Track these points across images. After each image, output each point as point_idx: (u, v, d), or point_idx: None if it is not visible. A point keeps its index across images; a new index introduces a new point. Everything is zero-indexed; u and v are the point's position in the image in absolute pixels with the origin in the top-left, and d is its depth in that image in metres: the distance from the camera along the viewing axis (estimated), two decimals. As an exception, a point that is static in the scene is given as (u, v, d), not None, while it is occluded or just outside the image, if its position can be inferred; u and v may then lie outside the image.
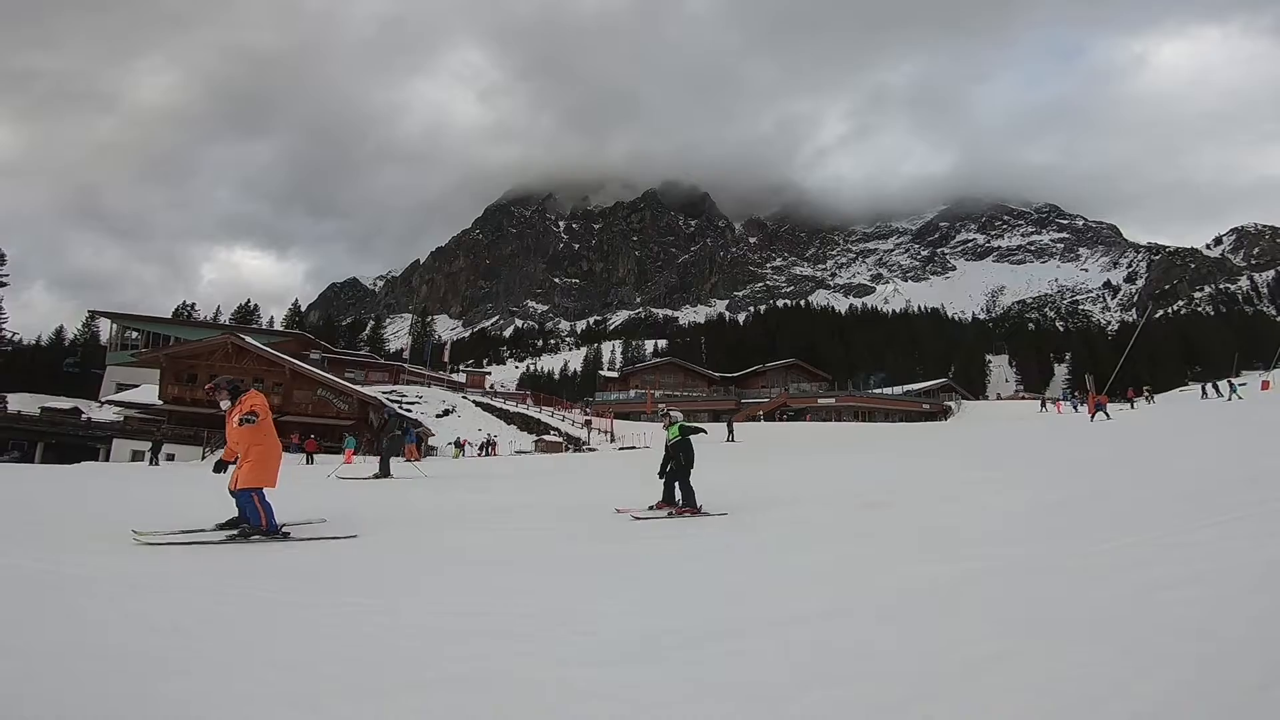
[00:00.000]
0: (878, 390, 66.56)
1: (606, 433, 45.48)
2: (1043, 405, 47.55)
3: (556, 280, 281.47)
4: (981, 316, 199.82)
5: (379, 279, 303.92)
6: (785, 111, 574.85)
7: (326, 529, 6.20)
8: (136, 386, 43.36)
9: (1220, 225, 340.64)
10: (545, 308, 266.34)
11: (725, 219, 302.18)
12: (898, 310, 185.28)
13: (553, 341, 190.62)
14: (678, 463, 7.55)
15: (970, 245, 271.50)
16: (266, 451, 5.74)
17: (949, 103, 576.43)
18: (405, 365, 63.72)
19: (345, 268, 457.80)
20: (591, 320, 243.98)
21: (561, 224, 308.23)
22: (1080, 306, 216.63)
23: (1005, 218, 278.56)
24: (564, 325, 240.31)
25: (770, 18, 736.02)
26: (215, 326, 65.73)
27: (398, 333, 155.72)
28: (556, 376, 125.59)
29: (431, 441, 40.30)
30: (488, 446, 38.21)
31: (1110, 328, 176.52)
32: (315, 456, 27.79)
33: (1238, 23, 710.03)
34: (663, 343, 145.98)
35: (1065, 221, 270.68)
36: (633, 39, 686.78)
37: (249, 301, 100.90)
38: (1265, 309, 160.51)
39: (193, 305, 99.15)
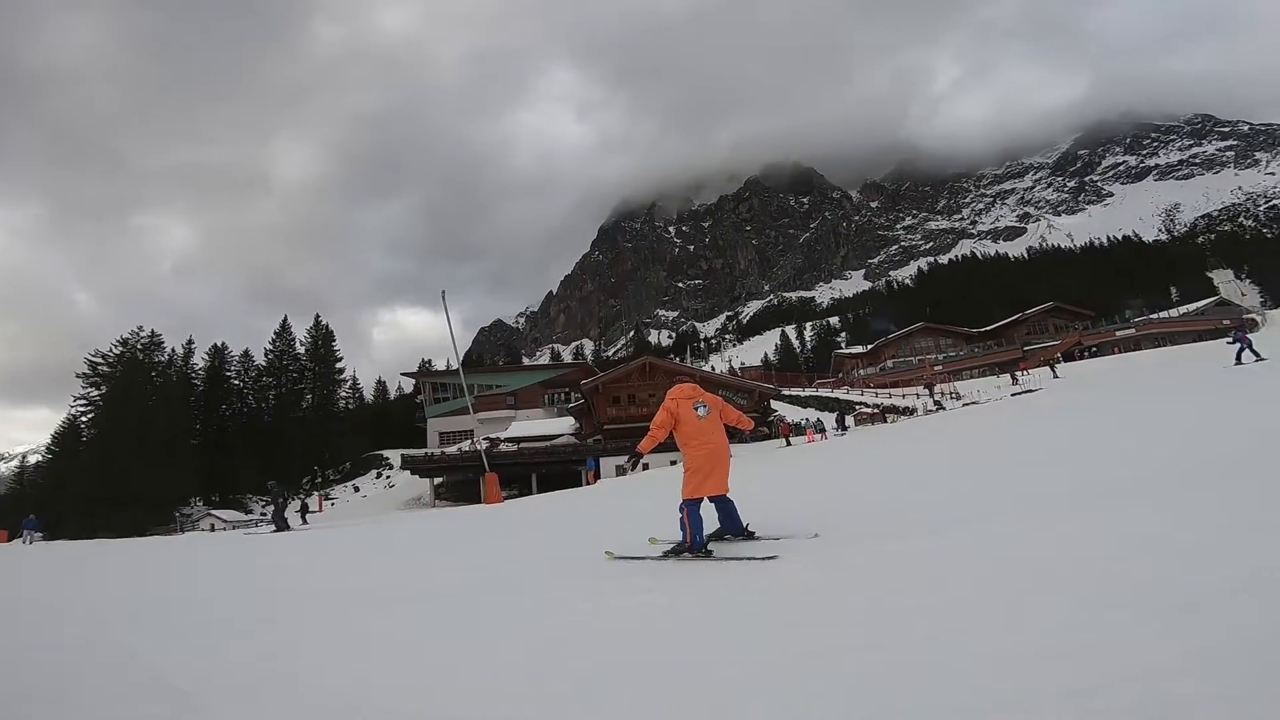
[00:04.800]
0: (1156, 315, 65.99)
1: (950, 394, 48.90)
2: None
3: (680, 285, 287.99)
4: (1162, 238, 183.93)
5: (520, 315, 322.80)
6: (895, 68, 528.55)
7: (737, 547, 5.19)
8: (494, 432, 49.32)
9: None
10: (675, 314, 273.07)
11: (839, 189, 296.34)
12: (1060, 245, 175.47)
13: (714, 342, 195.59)
14: None
15: (1121, 168, 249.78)
16: (690, 456, 5.28)
17: (1064, 26, 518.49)
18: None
19: (489, 309, 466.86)
20: (724, 317, 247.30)
21: (672, 229, 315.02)
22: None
23: (1153, 135, 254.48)
24: (698, 327, 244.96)
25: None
26: (517, 370, 75.19)
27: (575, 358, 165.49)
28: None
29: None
30: (881, 416, 42.69)
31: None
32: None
33: None
34: (833, 319, 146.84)
35: (1226, 129, 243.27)
36: (720, 26, 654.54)
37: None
38: None
39: (429, 360, 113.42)
